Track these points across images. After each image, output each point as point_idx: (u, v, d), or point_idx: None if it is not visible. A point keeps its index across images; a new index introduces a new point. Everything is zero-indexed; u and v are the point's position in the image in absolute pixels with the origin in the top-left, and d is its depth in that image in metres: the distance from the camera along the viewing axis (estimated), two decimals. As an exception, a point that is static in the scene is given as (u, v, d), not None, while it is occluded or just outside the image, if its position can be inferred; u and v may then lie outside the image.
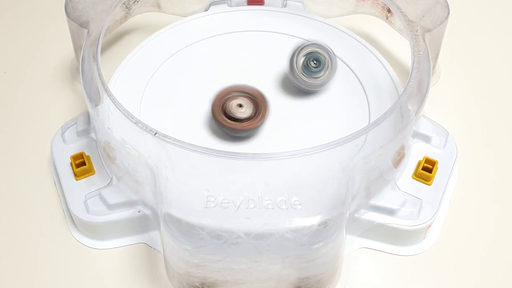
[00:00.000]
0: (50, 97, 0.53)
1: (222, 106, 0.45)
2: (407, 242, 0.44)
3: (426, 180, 0.44)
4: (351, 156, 0.39)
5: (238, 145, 0.45)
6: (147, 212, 0.42)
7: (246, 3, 0.55)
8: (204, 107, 0.47)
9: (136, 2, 0.53)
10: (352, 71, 0.50)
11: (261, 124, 0.45)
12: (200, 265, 0.38)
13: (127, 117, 0.40)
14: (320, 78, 0.46)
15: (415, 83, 0.42)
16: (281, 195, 0.38)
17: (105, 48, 0.55)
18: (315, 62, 0.46)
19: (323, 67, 0.46)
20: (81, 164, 0.44)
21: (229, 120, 0.44)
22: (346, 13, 0.55)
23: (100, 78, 0.42)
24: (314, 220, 0.37)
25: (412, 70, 0.43)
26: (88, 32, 0.45)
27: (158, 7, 0.55)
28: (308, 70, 0.46)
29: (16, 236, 0.44)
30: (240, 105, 0.44)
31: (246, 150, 0.44)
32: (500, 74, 0.55)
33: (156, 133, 0.39)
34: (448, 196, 0.46)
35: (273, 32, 0.53)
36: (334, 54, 0.46)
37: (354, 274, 0.42)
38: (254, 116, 0.45)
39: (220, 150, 0.38)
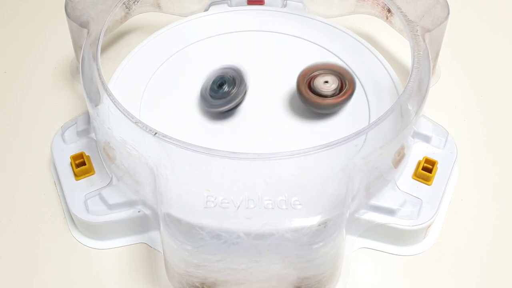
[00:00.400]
0: (50, 97, 0.53)
1: (308, 82, 0.45)
2: (407, 242, 0.44)
3: (426, 180, 0.44)
4: (351, 156, 0.39)
5: (238, 145, 0.45)
6: (147, 212, 0.42)
7: (246, 3, 0.55)
8: (204, 107, 0.47)
9: (136, 2, 0.53)
10: (352, 71, 0.50)
11: (346, 99, 0.45)
12: (200, 265, 0.38)
13: (127, 117, 0.40)
14: (231, 94, 0.45)
15: (415, 83, 0.42)
16: (281, 195, 0.38)
17: (105, 48, 0.55)
18: (219, 85, 0.46)
19: (229, 85, 0.45)
20: (81, 164, 0.44)
21: (315, 96, 0.45)
22: (346, 13, 0.55)
23: (100, 78, 0.42)
24: (314, 220, 0.37)
25: (412, 70, 0.43)
26: (88, 32, 0.45)
27: (158, 7, 0.55)
28: (216, 92, 0.45)
29: (16, 236, 0.44)
30: (326, 82, 0.45)
31: (246, 150, 0.44)
32: (500, 74, 0.55)
33: (156, 133, 0.39)
34: (448, 196, 0.46)
35: (273, 32, 0.53)
36: (240, 72, 0.46)
37: (354, 274, 0.42)
38: (339, 92, 0.45)
39: (220, 150, 0.38)
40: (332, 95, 0.45)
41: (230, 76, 0.46)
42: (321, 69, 0.46)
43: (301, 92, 0.45)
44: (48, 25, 0.58)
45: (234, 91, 0.45)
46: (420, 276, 0.43)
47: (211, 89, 0.46)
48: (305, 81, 0.46)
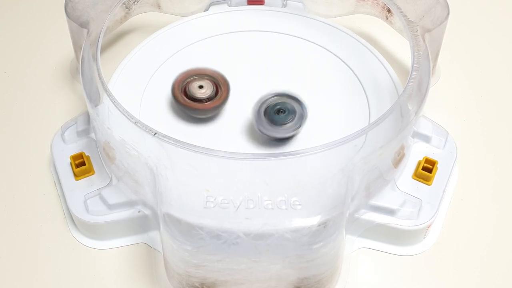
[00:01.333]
0: (50, 97, 0.53)
1: (184, 88, 0.46)
2: (407, 242, 0.44)
3: (426, 180, 0.44)
4: (350, 156, 0.39)
5: (237, 145, 0.45)
6: (147, 212, 0.42)
7: (246, 3, 0.55)
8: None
9: (136, 2, 0.53)
10: (352, 71, 0.50)
11: (221, 104, 0.46)
12: (199, 265, 0.38)
13: (127, 117, 0.40)
14: (287, 125, 0.44)
15: (415, 83, 0.42)
16: (280, 195, 0.38)
17: (105, 48, 0.55)
18: (281, 111, 0.44)
19: (289, 115, 0.44)
20: (80, 164, 0.44)
21: (189, 101, 0.45)
22: (346, 13, 0.55)
23: (100, 78, 0.42)
24: (314, 220, 0.37)
25: (412, 70, 0.43)
26: (88, 32, 0.45)
27: (158, 7, 0.55)
28: (275, 119, 0.44)
29: (16, 236, 0.44)
30: (201, 86, 0.45)
31: (245, 150, 0.44)
32: (500, 74, 0.55)
33: (155, 133, 0.39)
34: (448, 196, 0.46)
35: (273, 32, 0.53)
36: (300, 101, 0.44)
37: (354, 274, 0.42)
38: (215, 96, 0.46)
39: (220, 150, 0.38)
40: (208, 99, 0.45)
41: (289, 105, 0.44)
42: (194, 75, 0.46)
43: (177, 99, 0.45)
44: (48, 25, 0.58)
45: (293, 122, 0.44)
46: (420, 276, 0.43)
47: (272, 116, 0.44)
48: (180, 87, 0.46)
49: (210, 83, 0.46)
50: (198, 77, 0.46)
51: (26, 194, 0.47)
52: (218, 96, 0.46)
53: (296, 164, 0.39)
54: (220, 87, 0.46)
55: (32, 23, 0.59)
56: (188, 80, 0.46)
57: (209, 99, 0.45)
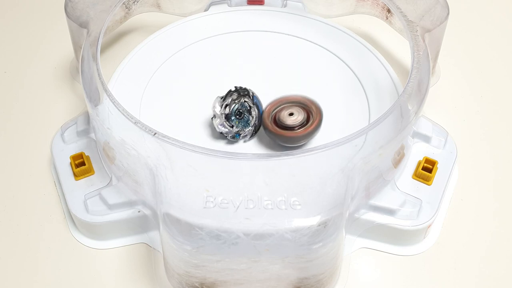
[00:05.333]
0: (50, 97, 0.53)
1: (274, 117, 0.44)
2: (407, 242, 0.44)
3: (426, 180, 0.44)
4: (350, 156, 0.39)
5: (236, 145, 0.45)
6: (147, 212, 0.42)
7: (246, 3, 0.55)
8: (203, 107, 0.47)
9: (136, 2, 0.53)
10: (352, 71, 0.50)
11: (314, 129, 0.44)
12: (199, 265, 0.38)
13: (127, 117, 0.40)
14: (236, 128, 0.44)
15: (415, 83, 0.42)
16: (280, 195, 0.38)
17: (105, 48, 0.55)
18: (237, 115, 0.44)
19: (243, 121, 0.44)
20: (80, 164, 0.44)
21: (280, 129, 0.44)
22: (346, 13, 0.55)
23: (100, 78, 0.42)
24: (314, 220, 0.37)
25: (412, 70, 0.43)
26: (87, 32, 0.45)
27: (158, 7, 0.55)
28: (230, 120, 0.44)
29: (16, 236, 0.44)
30: (291, 114, 0.44)
31: (245, 151, 0.44)
32: (499, 74, 0.55)
33: (155, 133, 0.39)
34: (448, 196, 0.46)
35: (273, 32, 0.53)
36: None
37: (354, 274, 0.42)
38: (306, 123, 0.44)
39: (220, 150, 0.38)
40: (300, 126, 0.44)
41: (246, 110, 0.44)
42: (285, 103, 0.45)
43: (267, 127, 0.44)
44: (48, 25, 0.58)
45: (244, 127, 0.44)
46: (420, 276, 0.43)
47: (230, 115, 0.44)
48: (270, 116, 0.44)
49: (301, 110, 0.44)
50: (288, 105, 0.44)
51: (26, 194, 0.47)
52: (310, 122, 0.44)
53: (296, 164, 0.39)
54: (312, 113, 0.44)
55: (32, 23, 0.59)
56: (278, 108, 0.44)
57: (301, 125, 0.43)
